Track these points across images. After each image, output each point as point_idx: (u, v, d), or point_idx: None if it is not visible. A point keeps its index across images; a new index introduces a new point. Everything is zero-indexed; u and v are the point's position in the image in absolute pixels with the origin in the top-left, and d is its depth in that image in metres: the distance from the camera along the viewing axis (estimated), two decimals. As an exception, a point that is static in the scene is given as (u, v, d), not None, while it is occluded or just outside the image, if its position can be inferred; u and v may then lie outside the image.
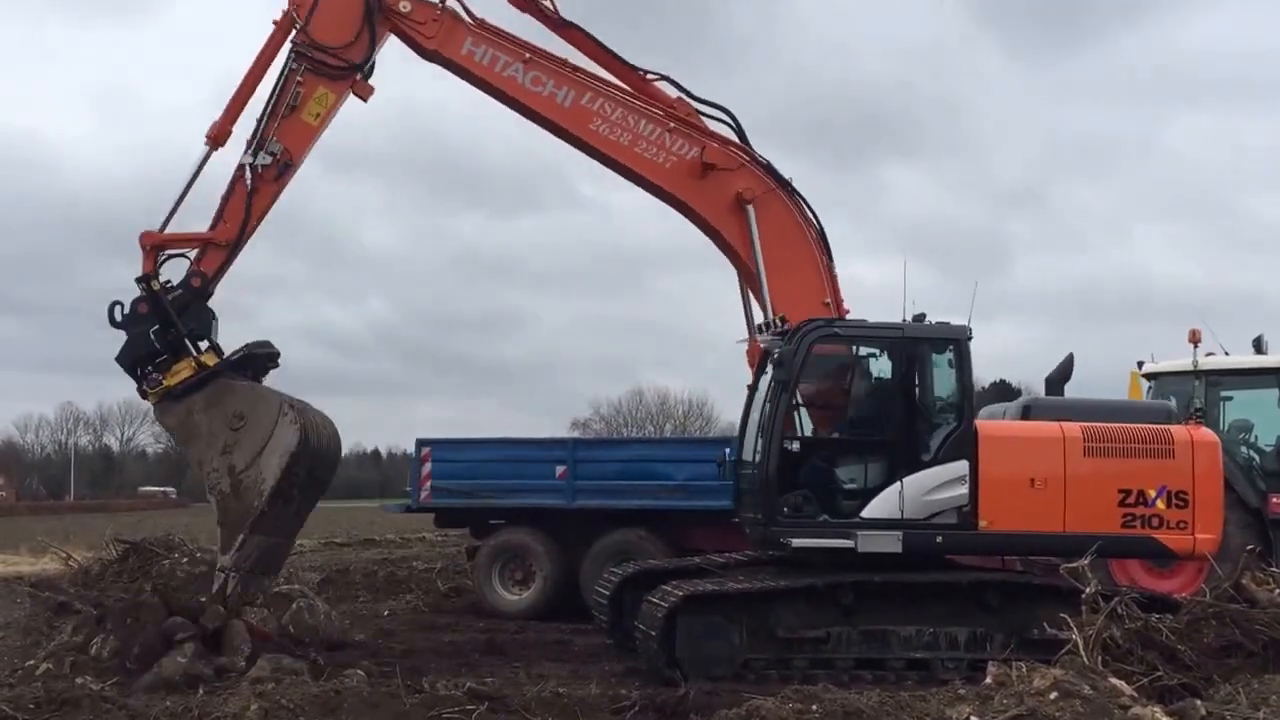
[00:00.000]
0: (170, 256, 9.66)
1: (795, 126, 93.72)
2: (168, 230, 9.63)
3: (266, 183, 9.73)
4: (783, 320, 9.53)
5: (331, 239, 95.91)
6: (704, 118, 10.55)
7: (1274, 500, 11.32)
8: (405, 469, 16.11)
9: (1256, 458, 11.91)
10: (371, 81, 10.09)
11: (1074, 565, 7.52)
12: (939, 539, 8.85)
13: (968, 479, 8.82)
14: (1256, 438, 12.08)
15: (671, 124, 10.23)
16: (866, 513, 8.89)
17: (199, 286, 9.48)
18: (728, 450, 10.32)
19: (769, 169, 10.32)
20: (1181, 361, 12.05)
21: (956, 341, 9.04)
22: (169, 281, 9.48)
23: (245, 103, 9.88)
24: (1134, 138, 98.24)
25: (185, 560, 9.35)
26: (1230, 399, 12.22)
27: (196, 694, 7.22)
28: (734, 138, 10.47)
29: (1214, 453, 9.13)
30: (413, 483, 13.58)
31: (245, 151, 9.71)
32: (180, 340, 9.28)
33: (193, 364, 9.27)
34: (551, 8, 10.49)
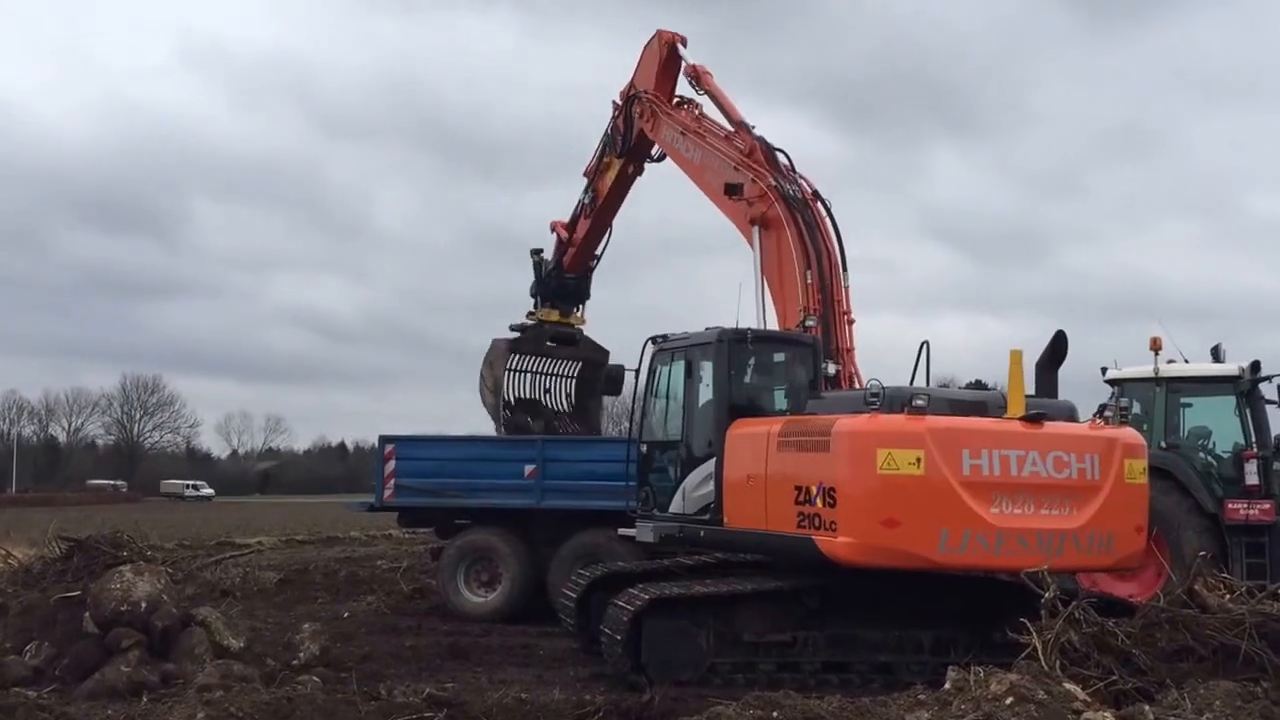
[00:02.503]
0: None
1: (839, 95, 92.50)
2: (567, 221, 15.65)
3: (585, 216, 15.33)
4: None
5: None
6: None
7: (1230, 506, 11.52)
8: (372, 464, 16.02)
9: (1214, 464, 12.11)
10: None
11: (1035, 569, 7.58)
12: (702, 533, 9.48)
13: (713, 477, 9.29)
14: (1214, 444, 12.29)
15: (735, 165, 12.55)
16: (672, 507, 9.80)
17: (560, 268, 15.71)
18: None
19: (786, 198, 11.86)
20: (1143, 368, 12.24)
21: (715, 345, 9.58)
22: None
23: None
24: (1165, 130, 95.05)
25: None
26: (1189, 406, 12.42)
27: (140, 701, 6.99)
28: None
29: (864, 444, 7.71)
30: (377, 480, 13.51)
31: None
32: (543, 295, 15.76)
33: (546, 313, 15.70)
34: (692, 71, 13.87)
